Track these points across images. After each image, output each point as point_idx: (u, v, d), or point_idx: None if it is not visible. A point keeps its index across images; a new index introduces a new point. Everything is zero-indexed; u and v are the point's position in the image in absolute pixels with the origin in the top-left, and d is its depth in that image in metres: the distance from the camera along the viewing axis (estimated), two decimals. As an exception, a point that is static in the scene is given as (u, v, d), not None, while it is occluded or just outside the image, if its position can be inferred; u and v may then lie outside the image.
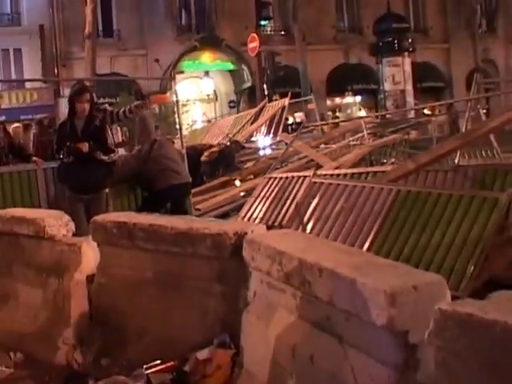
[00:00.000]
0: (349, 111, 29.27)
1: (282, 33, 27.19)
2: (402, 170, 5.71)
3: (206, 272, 3.09)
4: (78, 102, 5.71)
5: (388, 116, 18.77)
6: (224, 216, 8.25)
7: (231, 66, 26.77)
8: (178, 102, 9.13)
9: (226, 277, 3.02)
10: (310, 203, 6.08)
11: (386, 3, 25.10)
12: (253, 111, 14.93)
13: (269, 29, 26.76)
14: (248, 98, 25.57)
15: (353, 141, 10.79)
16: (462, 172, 5.74)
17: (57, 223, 3.96)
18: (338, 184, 5.97)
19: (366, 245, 5.31)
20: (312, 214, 6.04)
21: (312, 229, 5.92)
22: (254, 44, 19.70)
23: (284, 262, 2.37)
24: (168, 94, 22.57)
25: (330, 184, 6.03)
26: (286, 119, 22.99)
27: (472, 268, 4.60)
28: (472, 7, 27.61)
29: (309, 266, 2.19)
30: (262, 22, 20.39)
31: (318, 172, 6.64)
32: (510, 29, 30.56)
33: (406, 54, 24.23)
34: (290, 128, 21.71)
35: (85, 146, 5.65)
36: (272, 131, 13.26)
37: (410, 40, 24.73)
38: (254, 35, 19.73)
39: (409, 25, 26.45)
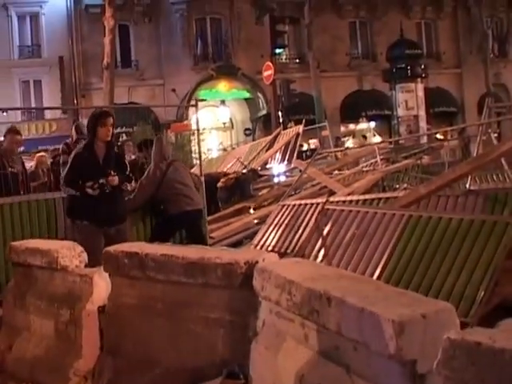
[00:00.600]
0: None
1: (297, 60, 27.49)
2: (414, 196, 5.69)
3: (216, 301, 3.08)
4: (100, 126, 5.36)
5: (401, 141, 18.73)
6: (238, 244, 8.25)
7: (247, 95, 27.03)
8: (198, 130, 9.22)
9: (235, 306, 3.01)
10: (323, 230, 6.06)
11: (398, 30, 25.26)
12: (268, 138, 15.01)
13: (284, 57, 27.05)
14: (263, 126, 25.76)
15: (366, 167, 10.79)
16: (472, 196, 5.70)
17: (70, 254, 3.99)
18: (350, 210, 5.95)
19: (378, 271, 5.28)
20: (325, 240, 6.01)
21: (324, 255, 5.90)
22: (268, 72, 19.88)
23: (293, 292, 2.37)
24: (186, 122, 22.85)
25: (342, 211, 6.02)
26: (301, 146, 23.12)
27: (482, 293, 4.55)
28: (483, 32, 27.73)
29: (317, 295, 2.18)
30: (277, 51, 20.58)
31: (331, 199, 6.63)
32: (521, 53, 30.66)
33: (419, 79, 24.26)
34: (304, 155, 21.77)
35: (115, 180, 5.37)
36: (286, 158, 13.30)
37: (422, 66, 24.79)
38: (269, 63, 19.93)
39: (421, 51, 26.57)
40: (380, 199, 6.46)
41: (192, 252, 3.18)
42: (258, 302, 2.84)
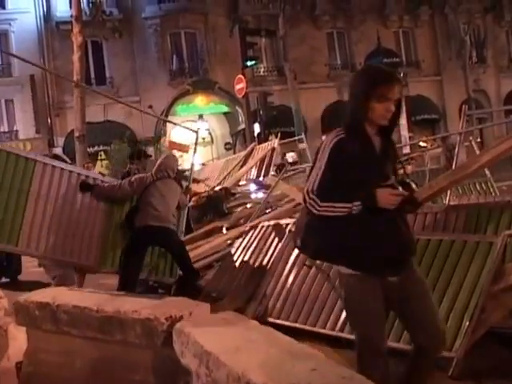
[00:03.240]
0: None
1: (275, 73, 27.14)
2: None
3: (139, 363, 2.57)
4: (378, 98, 2.75)
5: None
6: (208, 267, 7.77)
7: (225, 109, 26.61)
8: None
9: (161, 369, 2.48)
10: (291, 254, 5.54)
11: (376, 39, 25.06)
12: (242, 154, 14.53)
13: (262, 69, 26.71)
14: (244, 140, 25.31)
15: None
16: (452, 213, 5.22)
17: (-14, 301, 3.45)
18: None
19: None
20: (293, 265, 5.50)
21: (293, 281, 5.39)
22: (240, 85, 19.42)
23: (211, 366, 1.85)
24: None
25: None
26: (283, 158, 22.66)
27: (467, 323, 4.06)
28: (461, 39, 27.63)
29: (235, 377, 1.66)
30: (248, 63, 20.14)
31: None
32: (499, 58, 30.64)
33: (399, 88, 24.00)
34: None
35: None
36: (263, 174, 12.79)
37: (401, 74, 24.53)
38: (241, 76, 19.46)
39: (400, 59, 26.38)
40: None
41: (108, 303, 2.64)
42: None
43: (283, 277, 5.52)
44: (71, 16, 18.28)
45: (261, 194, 11.75)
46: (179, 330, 2.17)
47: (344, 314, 4.67)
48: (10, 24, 24.34)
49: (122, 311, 2.50)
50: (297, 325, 4.90)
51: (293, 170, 12.57)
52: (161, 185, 6.35)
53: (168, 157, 6.80)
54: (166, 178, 6.38)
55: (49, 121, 24.80)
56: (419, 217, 5.40)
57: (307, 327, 4.82)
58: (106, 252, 6.21)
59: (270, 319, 5.12)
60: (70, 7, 19.17)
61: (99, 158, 24.05)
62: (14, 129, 24.90)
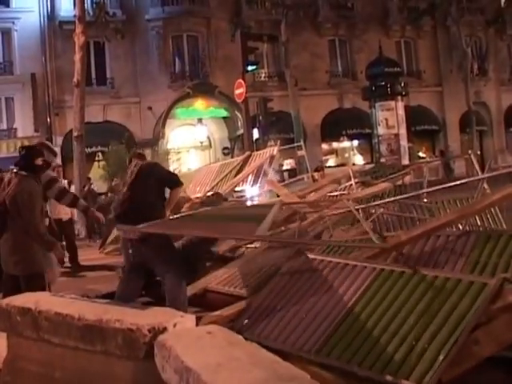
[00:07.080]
0: (346, 155, 28.98)
1: (276, 79, 27.08)
2: (394, 241, 5.04)
3: (120, 374, 2.49)
4: None
5: (383, 161, 18.31)
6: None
7: (225, 113, 26.52)
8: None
9: (144, 381, 2.41)
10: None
11: (378, 48, 25.03)
12: (239, 159, 14.39)
13: (263, 75, 26.66)
14: (242, 145, 25.23)
15: (339, 190, 10.15)
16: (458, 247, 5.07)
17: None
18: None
19: (332, 326, 4.57)
20: (288, 282, 5.35)
21: (288, 300, 5.23)
22: (240, 90, 19.34)
23: (191, 383, 1.78)
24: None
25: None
26: (281, 165, 22.59)
27: (441, 358, 3.87)
28: (463, 51, 27.59)
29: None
30: (249, 68, 20.08)
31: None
32: (500, 71, 30.63)
33: (399, 97, 23.95)
34: (287, 174, 21.38)
35: None
36: (259, 181, 12.66)
37: (402, 84, 24.51)
38: (241, 81, 19.38)
39: (401, 69, 26.32)
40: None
41: (91, 311, 2.57)
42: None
43: (275, 293, 5.36)
44: (74, 16, 18.29)
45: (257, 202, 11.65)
46: (161, 344, 2.10)
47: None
48: (13, 22, 24.22)
49: (104, 320, 2.43)
50: (284, 348, 4.75)
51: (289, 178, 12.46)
52: None
53: None
54: None
55: (48, 120, 24.68)
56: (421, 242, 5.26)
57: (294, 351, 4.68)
58: None
59: (260, 340, 4.97)
60: (74, 7, 19.20)
61: (96, 158, 23.98)
62: (13, 127, 24.78)
